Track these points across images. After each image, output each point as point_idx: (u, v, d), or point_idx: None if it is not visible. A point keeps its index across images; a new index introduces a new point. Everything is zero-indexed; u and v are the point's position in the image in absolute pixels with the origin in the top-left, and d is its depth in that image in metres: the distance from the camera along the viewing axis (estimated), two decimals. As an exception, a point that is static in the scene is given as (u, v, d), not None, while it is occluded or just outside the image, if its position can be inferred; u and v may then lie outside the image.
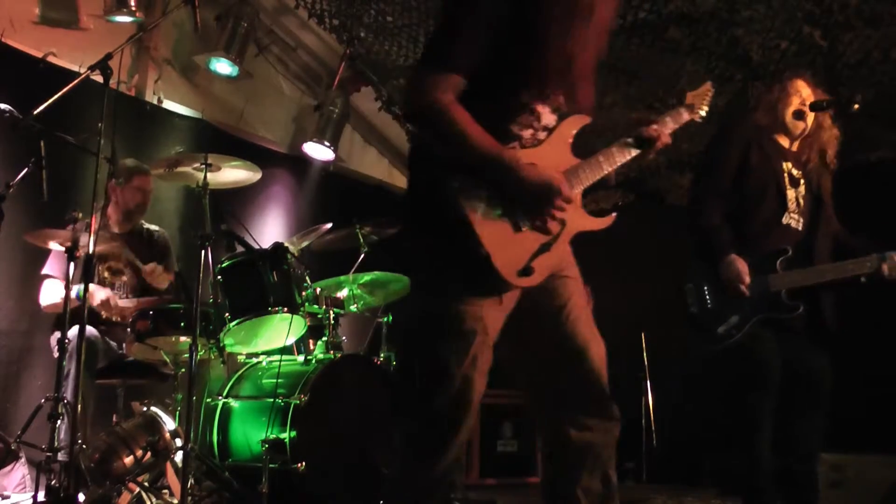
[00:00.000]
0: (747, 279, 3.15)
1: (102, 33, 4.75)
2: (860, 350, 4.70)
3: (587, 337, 2.12)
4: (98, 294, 3.97)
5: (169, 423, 3.53)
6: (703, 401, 4.47)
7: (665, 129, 2.32)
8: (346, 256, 4.50)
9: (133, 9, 4.71)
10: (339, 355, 3.99)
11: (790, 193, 3.31)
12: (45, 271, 4.07)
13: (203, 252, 3.53)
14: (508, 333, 2.10)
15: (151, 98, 5.27)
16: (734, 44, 4.78)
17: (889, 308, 4.57)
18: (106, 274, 4.17)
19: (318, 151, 5.96)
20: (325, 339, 4.10)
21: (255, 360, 4.15)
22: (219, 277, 3.87)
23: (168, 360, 3.78)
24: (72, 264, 3.39)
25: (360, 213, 4.59)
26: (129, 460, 3.34)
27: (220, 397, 3.93)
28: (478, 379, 2.02)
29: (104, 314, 3.99)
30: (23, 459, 3.72)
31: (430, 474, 2.04)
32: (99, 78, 3.29)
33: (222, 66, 5.31)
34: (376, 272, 4.43)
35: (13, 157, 4.00)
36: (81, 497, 3.18)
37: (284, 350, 3.99)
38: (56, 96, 3.29)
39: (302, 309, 3.89)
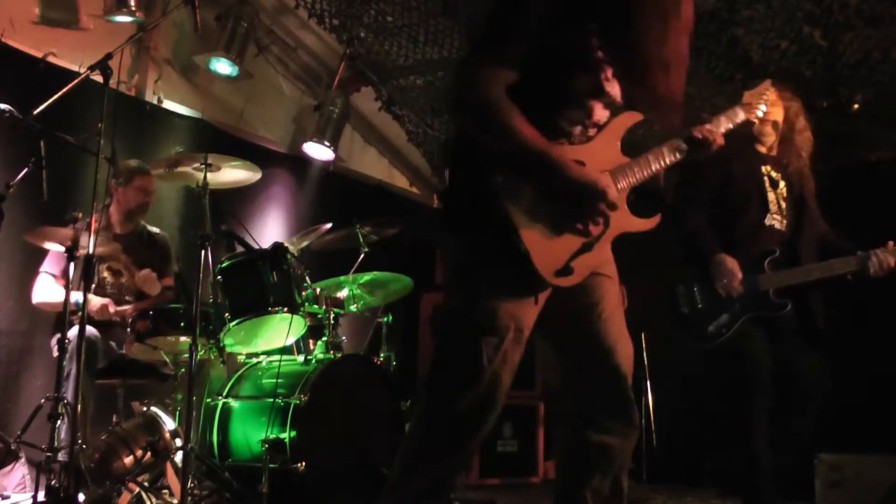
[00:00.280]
0: (739, 274, 3.23)
1: (102, 33, 4.75)
2: (860, 350, 4.72)
3: (616, 338, 2.10)
4: (94, 301, 3.97)
5: (169, 423, 3.52)
6: (703, 401, 4.47)
7: (719, 129, 2.26)
8: (346, 256, 4.50)
9: (133, 9, 4.71)
10: (339, 355, 3.99)
11: (771, 196, 3.40)
12: (42, 269, 4.07)
13: (203, 252, 3.53)
14: (540, 327, 2.08)
15: (151, 98, 5.26)
16: (734, 44, 4.78)
17: (889, 308, 4.57)
18: (106, 275, 4.17)
19: (318, 151, 5.96)
20: (325, 339, 4.10)
21: (255, 360, 4.15)
22: (219, 277, 3.87)
23: (168, 360, 3.78)
24: (72, 264, 3.39)
25: (360, 213, 4.59)
26: (129, 460, 3.34)
27: (220, 397, 3.93)
28: (506, 377, 2.00)
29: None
30: (23, 459, 3.71)
31: (438, 474, 2.03)
32: (99, 78, 3.29)
33: (222, 66, 5.30)
34: (376, 272, 4.43)
35: (13, 157, 4.00)
36: (81, 497, 3.17)
37: (284, 350, 3.99)
38: (56, 96, 3.29)
39: (302, 309, 3.89)
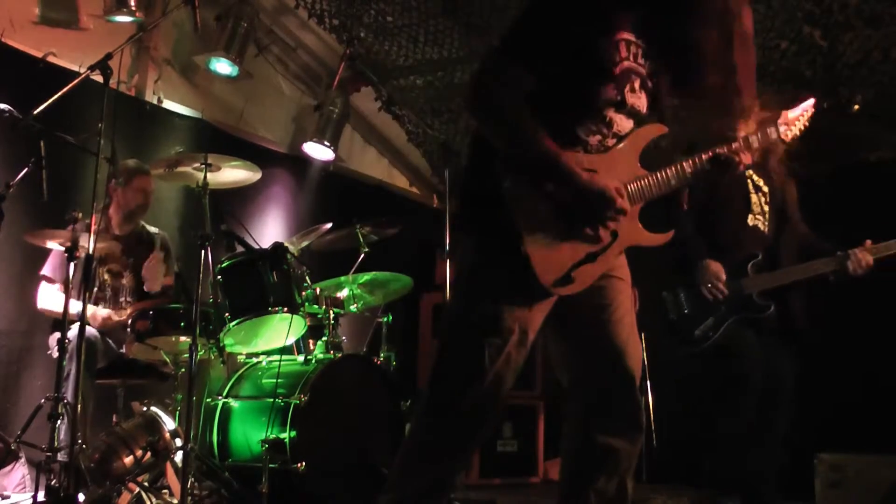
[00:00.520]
0: (724, 277, 3.38)
1: (102, 33, 4.74)
2: (860, 350, 4.72)
3: (626, 340, 2.10)
4: (99, 314, 3.99)
5: (169, 423, 3.53)
6: (703, 401, 4.48)
7: (749, 149, 2.18)
8: (346, 256, 4.50)
9: (133, 9, 4.70)
10: (339, 355, 3.99)
11: (753, 198, 3.56)
12: (43, 272, 4.06)
13: (203, 252, 3.53)
14: (550, 326, 2.08)
15: (151, 98, 5.26)
16: (734, 44, 4.77)
17: (888, 308, 4.58)
18: (106, 276, 4.16)
19: (318, 151, 5.95)
20: (325, 339, 4.10)
21: (255, 360, 4.15)
22: (219, 277, 3.87)
23: (168, 360, 3.79)
24: (72, 265, 3.39)
25: (360, 212, 4.58)
26: (128, 460, 3.34)
27: (219, 397, 3.93)
28: (509, 378, 2.01)
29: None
30: (23, 459, 3.71)
31: (438, 474, 2.03)
32: (99, 78, 3.29)
33: (222, 66, 5.30)
34: (376, 272, 4.42)
35: (13, 157, 3.99)
36: (81, 497, 3.18)
37: (284, 350, 3.99)
38: (56, 96, 3.28)
39: (302, 309, 3.89)
